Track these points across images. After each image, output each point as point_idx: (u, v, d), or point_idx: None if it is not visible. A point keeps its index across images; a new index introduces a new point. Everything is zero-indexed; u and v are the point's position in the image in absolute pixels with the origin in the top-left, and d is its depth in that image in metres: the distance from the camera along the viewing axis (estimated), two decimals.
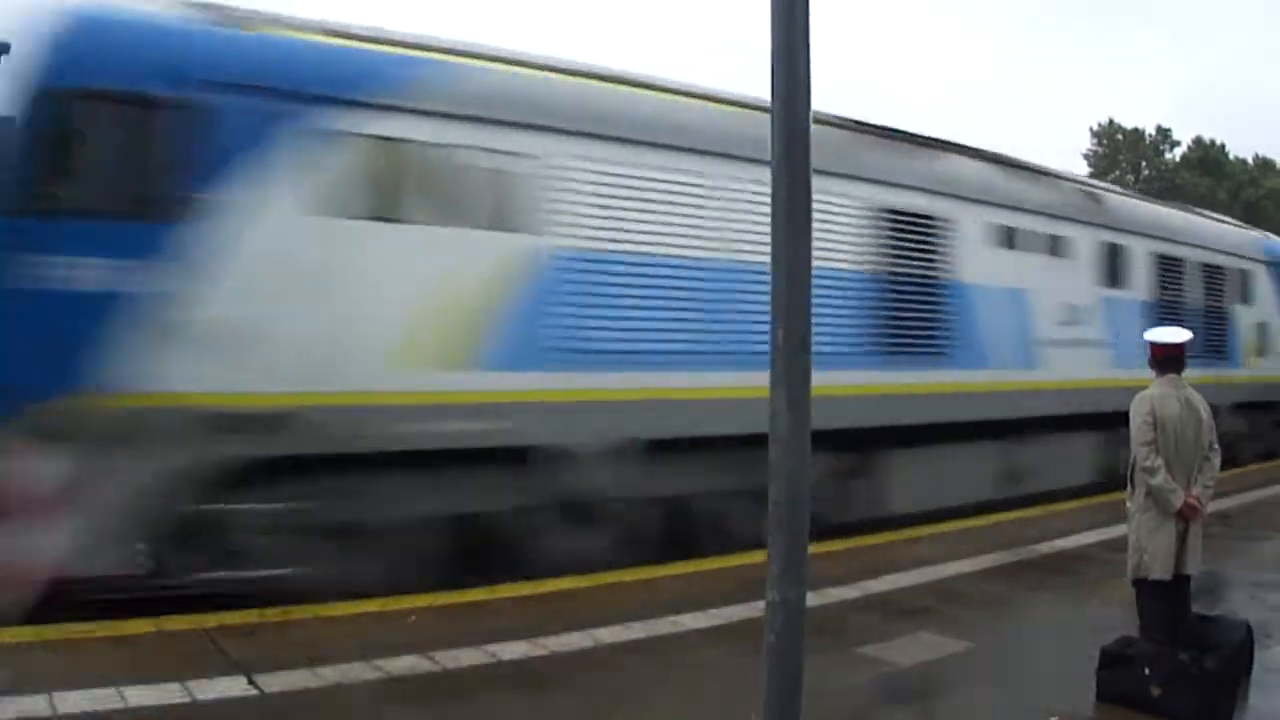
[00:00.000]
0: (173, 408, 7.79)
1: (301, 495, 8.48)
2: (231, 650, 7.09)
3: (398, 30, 9.79)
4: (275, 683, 6.50)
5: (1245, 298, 20.47)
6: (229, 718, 5.95)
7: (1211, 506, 7.01)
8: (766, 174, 3.66)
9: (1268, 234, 23.28)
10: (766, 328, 3.59)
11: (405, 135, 9.03)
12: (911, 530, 12.64)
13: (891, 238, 12.80)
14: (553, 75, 10.47)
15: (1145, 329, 7.72)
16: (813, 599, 4.19)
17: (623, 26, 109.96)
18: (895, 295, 12.83)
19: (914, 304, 13.05)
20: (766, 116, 3.64)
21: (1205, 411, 6.88)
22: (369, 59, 9.21)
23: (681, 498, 10.74)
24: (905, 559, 10.80)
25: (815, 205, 3.68)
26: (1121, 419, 7.09)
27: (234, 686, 6.41)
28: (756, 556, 4.15)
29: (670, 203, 10.73)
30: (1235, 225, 22.84)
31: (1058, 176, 17.11)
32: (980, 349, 13.94)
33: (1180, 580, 6.78)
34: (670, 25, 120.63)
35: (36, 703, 5.89)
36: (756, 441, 3.97)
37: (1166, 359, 6.97)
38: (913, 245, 13.07)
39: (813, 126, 3.66)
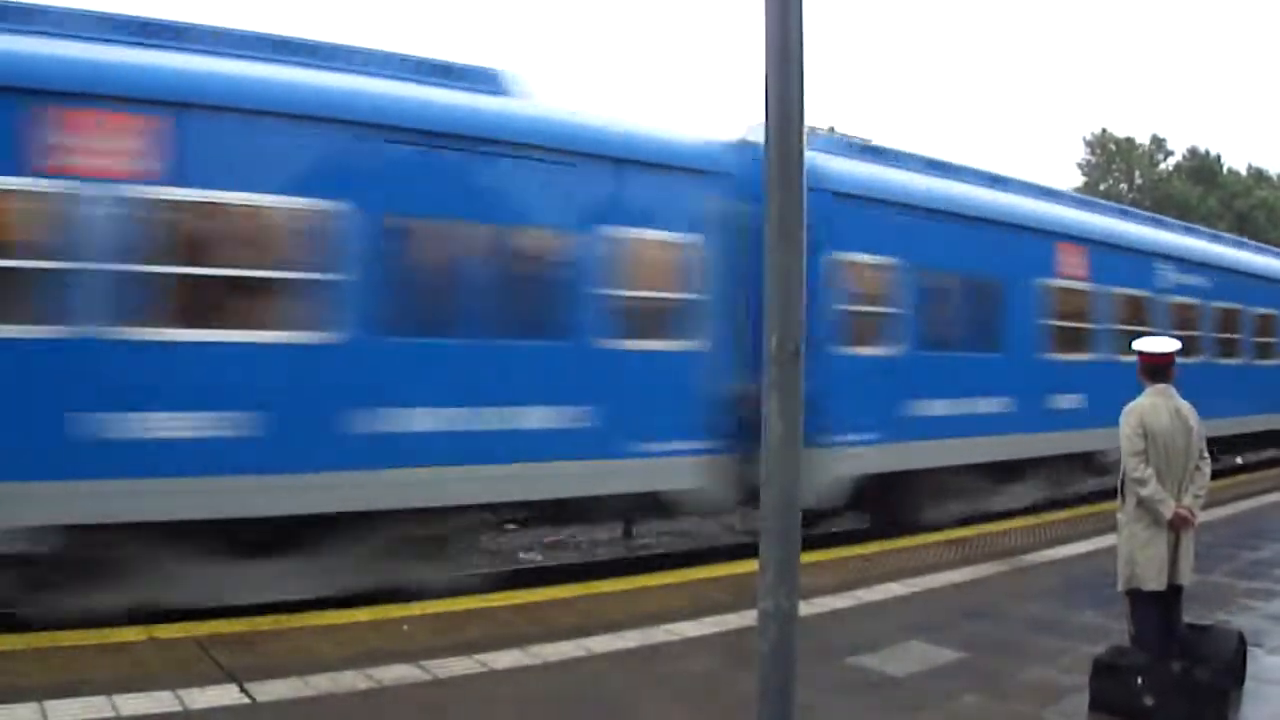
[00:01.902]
0: None
1: None
2: (223, 658, 7.08)
3: None
4: (267, 691, 6.49)
5: None
6: None
7: (1203, 516, 7.02)
8: None
9: None
10: None
11: None
12: (904, 540, 12.65)
13: None
14: None
15: None
16: (805, 608, 4.20)
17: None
18: None
19: None
20: None
21: (1195, 421, 6.88)
22: None
23: None
24: (897, 569, 10.81)
25: None
26: None
27: (225, 695, 6.40)
28: (749, 566, 4.15)
29: None
30: None
31: None
32: None
33: (1172, 590, 6.79)
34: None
35: (28, 712, 5.87)
36: None
37: (1156, 369, 6.97)
38: None
39: None
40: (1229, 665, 6.82)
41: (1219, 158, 69.85)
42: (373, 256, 9.25)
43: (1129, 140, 71.02)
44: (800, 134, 3.71)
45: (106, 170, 8.26)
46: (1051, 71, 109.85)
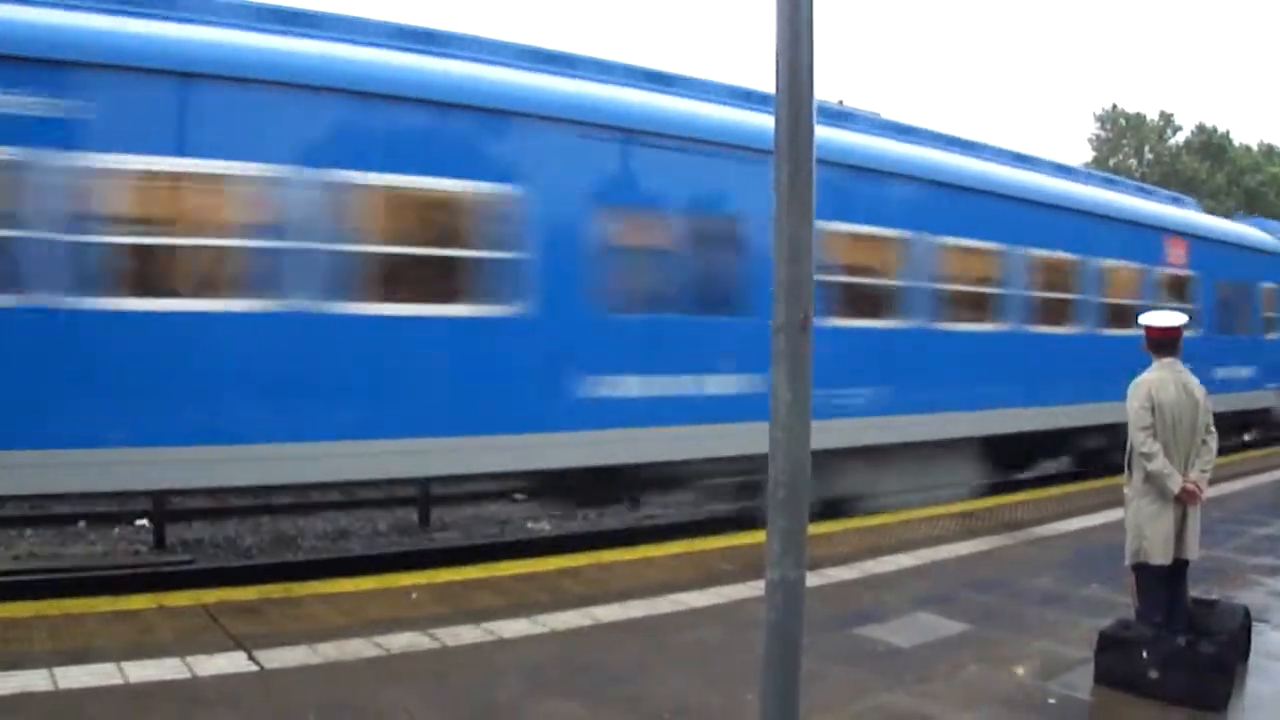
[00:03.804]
0: None
1: None
2: (231, 626, 7.12)
3: None
4: (275, 659, 6.52)
5: None
6: (229, 693, 5.96)
7: (1211, 491, 7.01)
8: None
9: None
10: None
11: None
12: (911, 512, 12.66)
13: None
14: None
15: None
16: (812, 579, 4.21)
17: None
18: None
19: None
20: None
21: (1201, 395, 6.86)
22: None
23: None
24: (905, 541, 10.83)
25: None
26: None
27: (234, 662, 6.43)
28: (756, 537, 4.16)
29: None
30: None
31: None
32: None
33: (1179, 565, 6.79)
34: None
35: (38, 678, 5.91)
36: None
37: (1163, 342, 6.94)
38: None
39: None
40: (1234, 640, 6.82)
41: (1228, 134, 69.44)
42: None
43: (1139, 115, 70.72)
44: (810, 106, 3.69)
45: None
46: (1064, 46, 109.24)
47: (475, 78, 10.19)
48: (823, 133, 3.99)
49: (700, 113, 11.85)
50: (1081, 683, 6.64)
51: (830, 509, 11.99)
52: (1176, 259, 18.53)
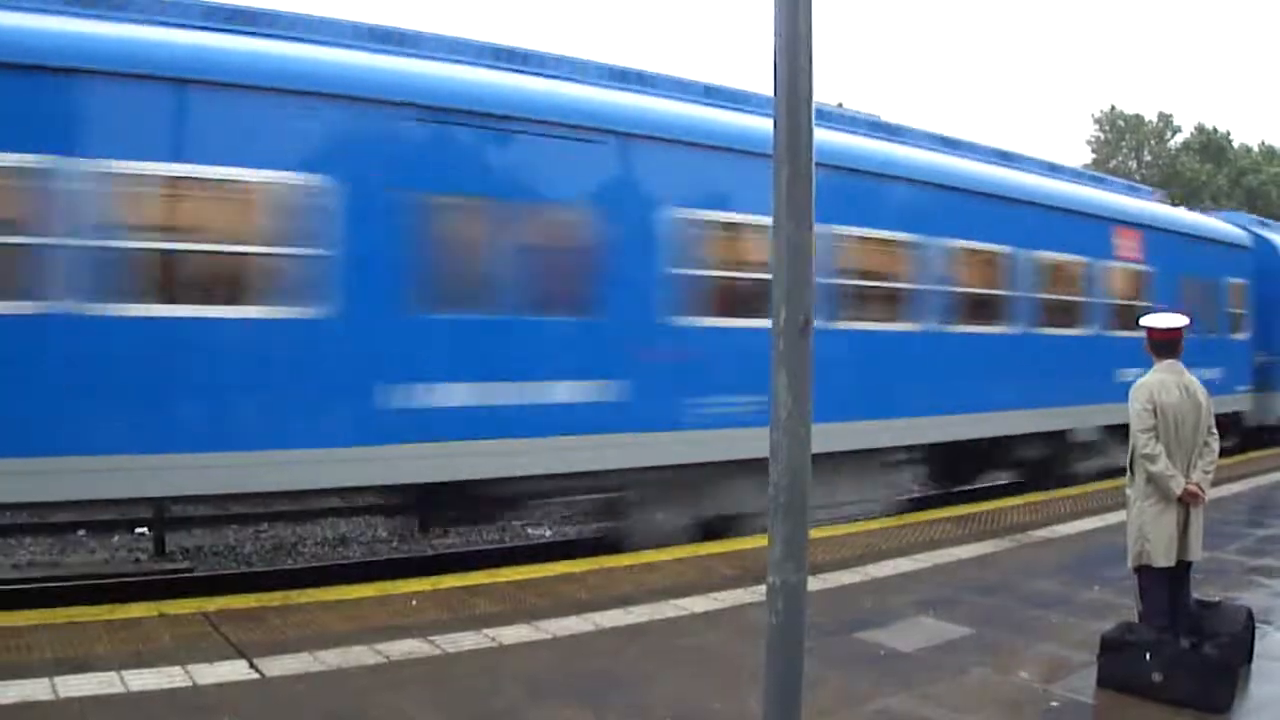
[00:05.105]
0: None
1: None
2: (232, 634, 7.11)
3: None
4: (276, 666, 6.51)
5: None
6: (230, 701, 5.94)
7: (1213, 493, 6.99)
8: None
9: None
10: None
11: None
12: (913, 515, 12.65)
13: None
14: None
15: None
16: (814, 583, 4.20)
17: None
18: None
19: None
20: None
21: (1204, 397, 6.85)
22: None
23: None
24: (906, 544, 10.82)
25: None
26: None
27: (235, 670, 6.42)
28: (758, 541, 4.15)
29: None
30: None
31: None
32: None
33: (1182, 567, 6.78)
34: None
35: (38, 686, 5.90)
36: None
37: (1165, 344, 6.93)
38: None
39: None
40: (1237, 642, 6.80)
41: (1228, 134, 69.39)
42: None
43: (1137, 117, 70.72)
44: (809, 108, 3.68)
45: None
46: (1063, 47, 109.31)
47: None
48: None
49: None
50: (1084, 686, 6.62)
51: None
52: None
